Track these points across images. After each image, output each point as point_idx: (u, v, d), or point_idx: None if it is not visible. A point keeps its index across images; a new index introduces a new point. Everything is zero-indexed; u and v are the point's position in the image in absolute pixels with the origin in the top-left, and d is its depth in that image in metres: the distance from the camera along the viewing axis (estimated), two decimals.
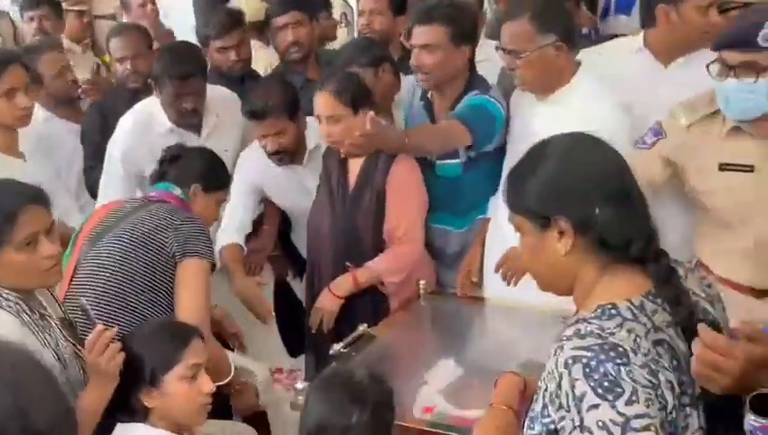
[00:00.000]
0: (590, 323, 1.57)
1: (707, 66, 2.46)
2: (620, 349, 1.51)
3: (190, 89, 3.49)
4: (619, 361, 1.49)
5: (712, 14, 2.84)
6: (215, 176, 3.01)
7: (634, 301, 1.60)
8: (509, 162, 3.13)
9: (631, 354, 1.50)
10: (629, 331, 1.54)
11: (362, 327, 2.83)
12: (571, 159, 1.69)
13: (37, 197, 2.26)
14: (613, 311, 1.58)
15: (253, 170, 3.56)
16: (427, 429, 2.35)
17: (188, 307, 2.62)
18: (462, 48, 3.19)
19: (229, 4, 4.76)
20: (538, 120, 2.99)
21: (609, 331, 1.54)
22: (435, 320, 3.12)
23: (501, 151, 3.21)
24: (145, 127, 3.56)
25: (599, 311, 1.59)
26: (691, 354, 1.57)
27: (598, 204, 1.62)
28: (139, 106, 3.61)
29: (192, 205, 2.90)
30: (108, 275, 2.68)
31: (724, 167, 2.60)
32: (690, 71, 2.78)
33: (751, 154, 2.56)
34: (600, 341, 1.52)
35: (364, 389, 1.98)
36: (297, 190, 3.56)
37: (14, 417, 1.26)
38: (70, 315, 2.50)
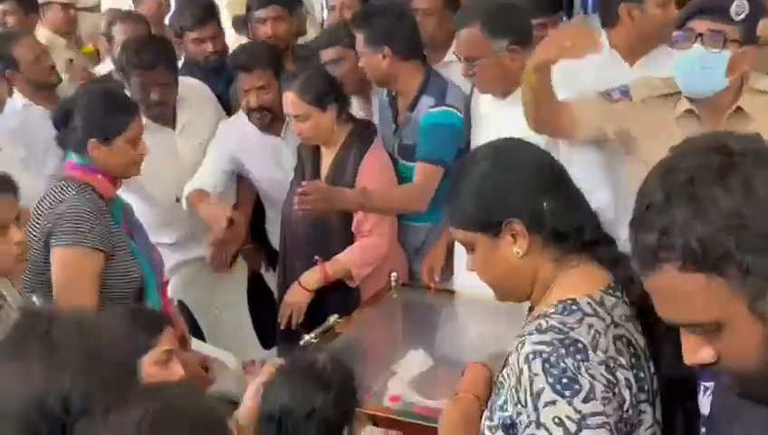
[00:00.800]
0: (550, 318, 1.58)
1: (673, 37, 2.49)
2: (580, 345, 1.52)
3: (157, 79, 3.47)
4: (578, 356, 1.50)
5: (671, 9, 2.88)
6: (109, 120, 2.75)
7: (594, 296, 1.61)
8: None
9: (590, 351, 1.52)
10: (590, 326, 1.55)
11: (333, 318, 2.85)
12: (505, 160, 1.70)
13: (8, 186, 2.30)
14: (573, 306, 1.58)
15: (231, 139, 3.60)
16: (393, 417, 2.38)
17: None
18: (382, 49, 3.22)
19: None
20: (499, 121, 3.03)
21: (569, 326, 1.55)
22: (405, 311, 3.15)
23: (466, 147, 3.25)
24: None
25: (559, 306, 1.60)
26: (650, 347, 1.59)
27: (544, 198, 1.64)
28: None
29: (99, 162, 2.74)
30: (30, 269, 2.65)
31: None
32: (655, 68, 2.81)
33: None
34: (560, 335, 1.53)
35: (327, 373, 2.00)
36: (272, 162, 3.59)
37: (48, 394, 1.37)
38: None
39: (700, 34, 2.44)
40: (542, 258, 1.65)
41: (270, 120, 3.51)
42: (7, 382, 1.42)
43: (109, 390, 1.41)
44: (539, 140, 2.87)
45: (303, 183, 2.96)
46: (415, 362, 2.69)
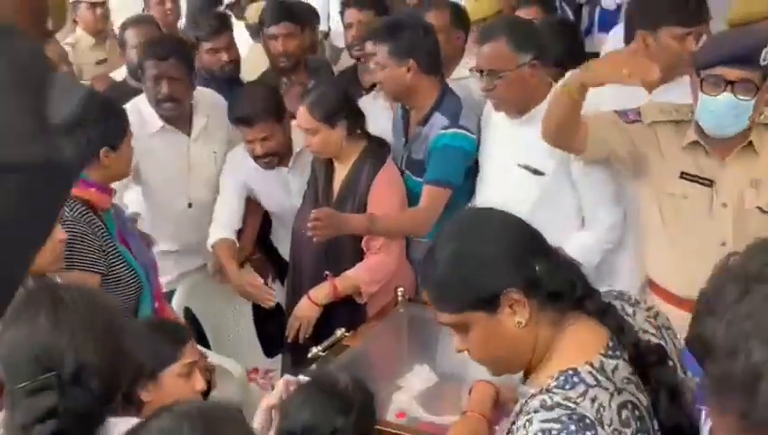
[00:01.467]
0: (553, 393, 1.53)
1: (701, 81, 2.50)
2: (588, 420, 1.49)
3: (168, 71, 3.47)
4: (588, 433, 1.48)
5: (689, 42, 2.91)
6: (115, 126, 2.86)
7: (594, 362, 1.57)
8: (482, 181, 3.23)
9: (598, 427, 1.49)
10: (593, 400, 1.52)
11: (340, 331, 2.87)
12: (483, 231, 1.65)
13: None
14: (575, 378, 1.54)
15: (241, 169, 3.61)
16: (399, 433, 2.40)
17: None
18: (407, 62, 3.25)
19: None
20: (511, 141, 3.08)
21: (573, 401, 1.51)
22: (411, 327, 3.17)
23: (474, 165, 3.30)
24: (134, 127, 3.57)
25: (561, 379, 1.55)
26: (652, 404, 1.58)
27: (533, 260, 1.60)
28: (128, 106, 3.48)
29: (108, 171, 2.82)
30: None
31: (685, 175, 2.66)
32: (674, 99, 2.82)
33: (708, 170, 2.63)
34: (567, 411, 1.50)
35: (349, 394, 2.03)
36: (281, 191, 3.61)
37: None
38: None
39: (731, 82, 2.45)
40: (541, 323, 1.61)
41: (278, 159, 3.51)
42: (19, 331, 1.66)
43: (101, 357, 1.64)
44: (550, 160, 2.96)
45: (313, 211, 2.99)
46: (420, 377, 2.72)
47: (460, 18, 3.96)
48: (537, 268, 1.60)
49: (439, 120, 3.26)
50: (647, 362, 1.62)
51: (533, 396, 1.56)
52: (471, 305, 1.61)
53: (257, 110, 3.38)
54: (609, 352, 1.59)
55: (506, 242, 1.62)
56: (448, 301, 1.64)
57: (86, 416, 1.65)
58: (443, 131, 3.23)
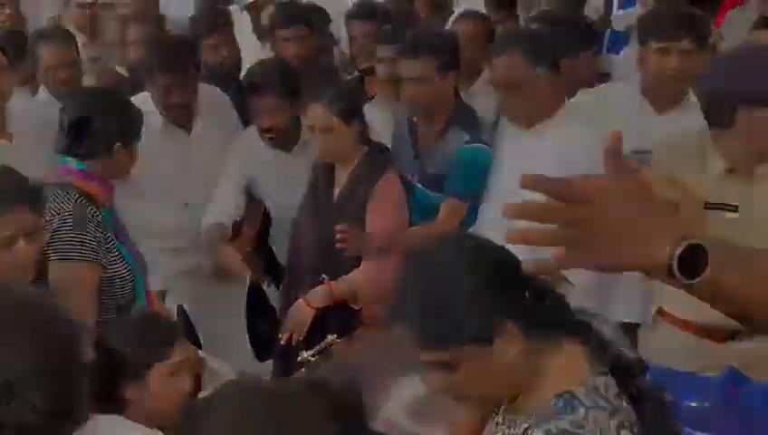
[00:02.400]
0: (557, 420, 1.50)
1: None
2: None
3: (179, 82, 3.45)
4: None
5: (671, 59, 2.88)
6: (133, 124, 2.83)
7: (587, 383, 1.55)
8: (486, 191, 3.21)
9: None
10: (595, 422, 1.50)
11: (331, 337, 2.86)
12: (472, 261, 1.58)
13: (27, 197, 2.28)
14: (575, 401, 1.51)
15: (244, 153, 3.60)
16: None
17: None
18: (449, 75, 3.25)
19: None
20: (516, 151, 3.08)
21: (579, 425, 1.49)
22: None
23: None
24: None
25: (560, 403, 1.52)
26: (639, 418, 1.56)
27: (523, 287, 1.56)
28: None
29: (111, 164, 2.78)
30: None
31: (710, 206, 2.57)
32: (684, 123, 2.79)
33: (736, 196, 2.55)
34: None
35: (346, 402, 2.00)
36: (284, 177, 3.59)
37: None
38: None
39: None
40: (528, 351, 1.56)
41: (283, 139, 3.50)
42: None
43: (42, 367, 1.44)
44: (553, 173, 2.91)
45: (337, 227, 3.01)
46: (410, 387, 2.69)
47: (492, 33, 3.99)
48: (527, 295, 1.55)
49: (458, 134, 3.26)
50: (631, 374, 1.60)
51: (535, 426, 1.52)
52: (464, 340, 1.53)
53: (269, 78, 3.38)
54: (598, 371, 1.57)
55: (494, 271, 1.56)
56: (439, 336, 1.55)
57: (32, 431, 1.45)
58: (466, 146, 3.23)
